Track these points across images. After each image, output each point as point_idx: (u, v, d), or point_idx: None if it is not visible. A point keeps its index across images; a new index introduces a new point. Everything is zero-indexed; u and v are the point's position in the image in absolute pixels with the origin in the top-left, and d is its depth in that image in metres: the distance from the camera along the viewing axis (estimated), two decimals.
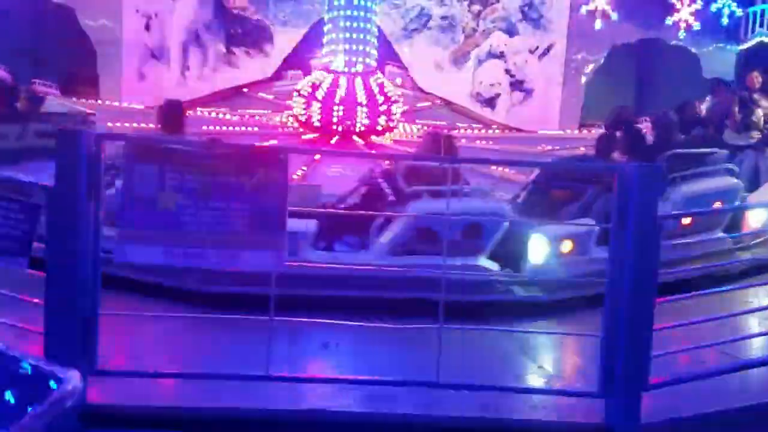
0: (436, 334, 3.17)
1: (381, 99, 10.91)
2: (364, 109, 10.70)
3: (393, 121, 11.08)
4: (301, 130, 11.02)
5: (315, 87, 10.89)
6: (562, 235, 5.19)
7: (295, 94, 11.25)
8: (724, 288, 4.44)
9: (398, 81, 12.55)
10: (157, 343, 3.85)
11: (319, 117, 10.78)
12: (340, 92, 10.73)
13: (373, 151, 9.91)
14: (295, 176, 7.97)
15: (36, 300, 3.03)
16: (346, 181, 6.57)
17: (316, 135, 10.76)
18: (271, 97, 12.54)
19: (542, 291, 4.95)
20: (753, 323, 3.61)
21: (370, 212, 5.20)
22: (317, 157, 8.98)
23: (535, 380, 3.71)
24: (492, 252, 5.09)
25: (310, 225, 4.95)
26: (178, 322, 4.00)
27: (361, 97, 10.76)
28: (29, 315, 3.13)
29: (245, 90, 12.71)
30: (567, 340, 4.14)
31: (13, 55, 11.13)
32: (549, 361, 3.99)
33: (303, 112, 10.95)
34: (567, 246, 5.19)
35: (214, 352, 3.83)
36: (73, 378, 0.69)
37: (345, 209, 5.51)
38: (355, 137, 10.68)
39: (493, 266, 5.04)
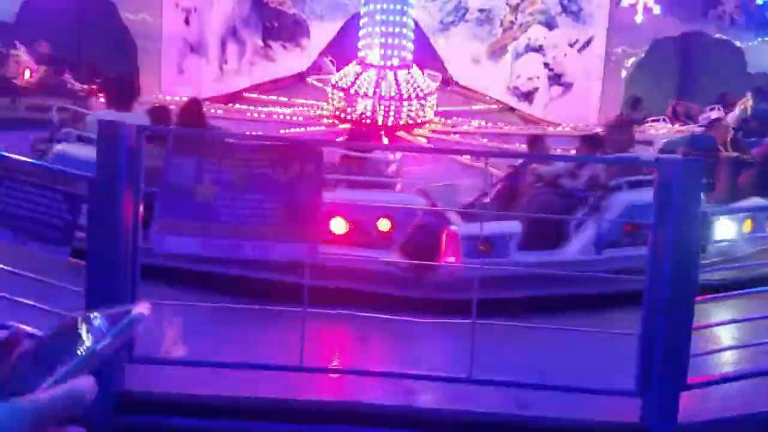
0: (470, 329, 3.16)
1: (413, 94, 10.87)
2: (402, 103, 10.68)
3: (426, 115, 11.03)
4: (328, 122, 11.05)
5: (353, 81, 10.91)
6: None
7: (330, 86, 11.30)
8: (763, 288, 4.34)
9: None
10: (193, 332, 3.91)
11: (354, 110, 10.80)
12: (373, 86, 10.73)
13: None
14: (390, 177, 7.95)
15: (77, 288, 3.10)
16: (443, 178, 6.61)
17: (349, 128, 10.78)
18: (320, 85, 12.53)
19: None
20: None
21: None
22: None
23: (570, 378, 3.67)
24: None
25: (515, 226, 4.92)
26: (215, 312, 4.06)
27: (397, 90, 10.74)
28: (71, 303, 3.20)
29: (308, 80, 12.77)
30: (604, 337, 4.08)
31: (55, 48, 11.42)
32: (585, 358, 3.94)
33: (340, 105, 10.99)
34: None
35: (250, 341, 3.87)
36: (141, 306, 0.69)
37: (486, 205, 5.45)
38: (403, 132, 10.64)
39: None
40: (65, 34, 12.17)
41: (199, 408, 3.11)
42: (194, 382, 3.21)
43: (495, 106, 12.87)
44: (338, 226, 4.79)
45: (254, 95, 12.27)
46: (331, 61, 12.69)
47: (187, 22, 12.23)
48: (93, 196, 3.04)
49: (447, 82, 12.99)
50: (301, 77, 12.82)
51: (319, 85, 12.50)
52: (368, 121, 10.65)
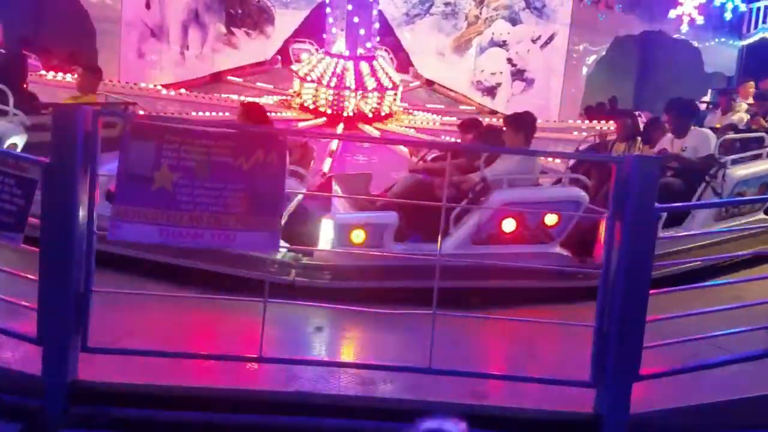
0: (428, 321, 3.17)
1: (388, 84, 10.85)
2: (367, 94, 10.65)
3: (392, 107, 11.03)
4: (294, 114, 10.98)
5: (315, 70, 10.84)
6: None
7: (294, 75, 11.21)
8: (717, 282, 4.47)
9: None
10: (149, 321, 3.85)
11: (319, 101, 10.74)
12: (339, 76, 10.67)
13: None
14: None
15: (30, 276, 3.03)
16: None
17: (312, 119, 10.72)
18: (257, 84, 12.42)
19: None
20: (745, 317, 3.62)
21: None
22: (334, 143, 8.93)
23: (526, 369, 3.72)
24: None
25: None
26: (173, 302, 4.00)
27: (362, 82, 10.71)
28: (23, 291, 3.13)
29: (229, 78, 12.62)
30: (561, 329, 4.16)
31: (12, 27, 11.08)
32: (542, 350, 4.00)
33: (303, 95, 10.90)
34: None
35: (208, 332, 3.84)
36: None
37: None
38: (366, 124, 10.61)
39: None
40: (21, 15, 11.81)
41: (154, 398, 3.07)
42: (150, 372, 3.17)
43: (475, 108, 12.95)
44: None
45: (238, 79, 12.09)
46: (310, 42, 12.54)
47: (147, 6, 11.98)
48: (47, 181, 2.96)
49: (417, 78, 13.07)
50: (215, 76, 12.64)
51: (244, 81, 12.41)
52: (330, 111, 10.60)
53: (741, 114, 9.31)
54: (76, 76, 6.49)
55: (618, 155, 6.91)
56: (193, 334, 3.85)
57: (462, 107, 12.77)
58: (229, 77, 12.46)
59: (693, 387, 3.40)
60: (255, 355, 3.17)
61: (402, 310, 3.56)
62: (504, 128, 5.85)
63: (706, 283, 4.24)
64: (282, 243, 4.67)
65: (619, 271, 3.07)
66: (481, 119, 7.42)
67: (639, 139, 7.44)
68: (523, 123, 5.63)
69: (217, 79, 12.33)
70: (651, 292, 3.10)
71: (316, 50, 11.89)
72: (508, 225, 4.95)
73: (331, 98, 10.62)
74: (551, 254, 5.02)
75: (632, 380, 3.12)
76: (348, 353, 3.97)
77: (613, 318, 3.09)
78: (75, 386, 3.03)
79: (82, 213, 2.97)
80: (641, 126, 7.87)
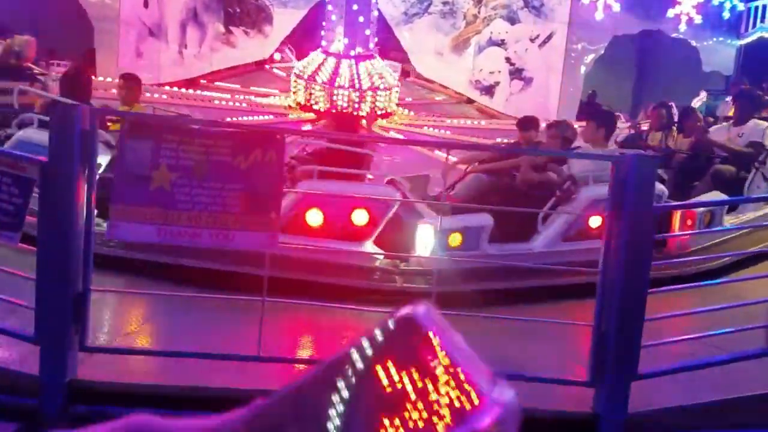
0: None
1: (381, 84, 10.86)
2: (364, 94, 10.65)
3: (387, 108, 11.03)
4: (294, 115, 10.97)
5: (315, 70, 10.84)
6: None
7: (293, 76, 11.20)
8: (715, 281, 4.47)
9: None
10: (148, 321, 3.85)
11: (316, 100, 10.74)
12: (335, 75, 10.67)
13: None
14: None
15: (28, 275, 3.02)
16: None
17: (307, 116, 10.72)
18: (284, 74, 12.41)
19: None
20: (743, 316, 3.63)
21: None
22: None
23: (525, 368, 3.72)
24: None
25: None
26: (171, 301, 4.00)
27: (358, 81, 10.71)
28: (21, 290, 3.12)
29: (267, 66, 12.62)
30: (560, 327, 4.16)
31: (11, 27, 11.04)
32: (540, 348, 4.00)
33: (301, 94, 10.90)
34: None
35: (207, 331, 3.83)
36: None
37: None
38: (364, 122, 10.61)
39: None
40: (19, 14, 11.79)
41: (152, 398, 3.07)
42: (148, 371, 3.17)
43: (449, 97, 12.96)
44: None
45: (218, 83, 12.07)
46: (290, 48, 12.57)
47: (146, 5, 11.96)
48: (45, 180, 2.95)
49: (407, 73, 13.02)
50: (259, 65, 12.66)
51: (282, 74, 12.39)
52: (333, 111, 10.60)
53: None
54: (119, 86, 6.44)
55: (655, 145, 7.16)
56: (192, 333, 3.85)
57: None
58: (202, 81, 12.31)
59: (691, 386, 3.40)
60: (254, 354, 3.17)
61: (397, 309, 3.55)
62: (586, 124, 6.09)
63: (705, 283, 4.24)
64: (376, 249, 4.82)
65: (618, 270, 3.07)
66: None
67: (674, 128, 7.62)
68: (606, 120, 5.92)
69: (193, 84, 12.21)
70: (649, 291, 3.11)
71: (290, 50, 11.92)
72: (595, 221, 5.11)
73: (327, 96, 10.63)
74: None
75: (631, 379, 3.12)
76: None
77: (611, 317, 3.10)
78: (73, 386, 3.03)
79: (79, 212, 2.96)
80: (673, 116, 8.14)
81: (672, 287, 3.57)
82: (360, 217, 4.74)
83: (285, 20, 12.73)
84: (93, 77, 6.37)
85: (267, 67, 12.74)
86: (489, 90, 13.12)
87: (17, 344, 3.18)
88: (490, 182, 5.84)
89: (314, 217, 4.73)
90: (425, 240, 4.88)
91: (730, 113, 8.71)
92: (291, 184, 5.02)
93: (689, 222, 5.66)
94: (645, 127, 8.41)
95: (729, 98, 10.36)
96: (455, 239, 4.89)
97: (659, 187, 5.49)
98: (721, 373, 3.45)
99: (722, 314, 3.60)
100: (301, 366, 3.46)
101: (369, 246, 4.85)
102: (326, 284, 4.28)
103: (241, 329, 3.80)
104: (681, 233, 5.62)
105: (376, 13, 11.20)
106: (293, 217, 4.72)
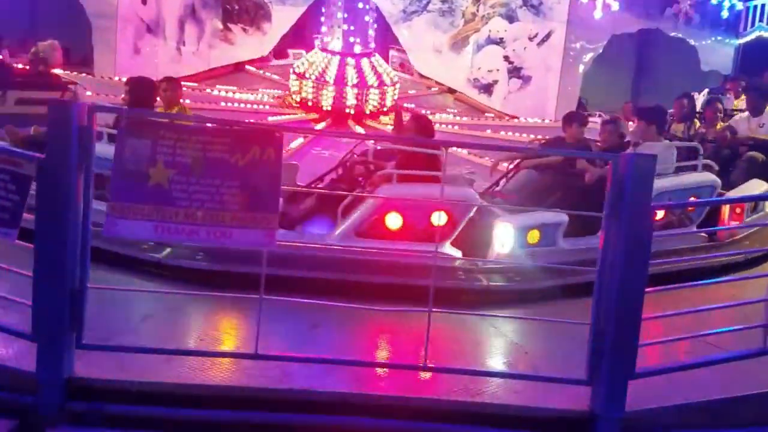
0: (423, 318, 3.17)
1: (375, 82, 10.85)
2: (362, 91, 10.64)
3: (386, 105, 11.03)
4: (291, 111, 10.95)
5: (313, 68, 10.82)
6: None
7: (291, 73, 11.19)
8: (714, 280, 4.48)
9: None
10: (146, 318, 3.85)
11: (314, 97, 10.73)
12: (336, 74, 10.67)
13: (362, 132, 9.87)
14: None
15: (25, 272, 3.02)
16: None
17: (301, 115, 10.71)
18: (269, 74, 12.44)
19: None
20: (740, 316, 3.63)
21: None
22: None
23: (522, 366, 3.73)
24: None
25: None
26: (169, 299, 4.00)
27: (356, 79, 10.70)
28: (18, 287, 3.12)
29: (248, 68, 12.59)
30: (557, 326, 4.16)
31: (8, 25, 11.03)
32: (537, 347, 4.01)
33: (297, 91, 10.89)
34: None
35: (205, 328, 3.83)
36: None
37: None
38: (349, 120, 10.63)
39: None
40: (18, 14, 11.76)
41: (150, 396, 3.07)
42: (145, 369, 3.16)
43: (436, 89, 12.97)
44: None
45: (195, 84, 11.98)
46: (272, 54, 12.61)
47: (143, 1, 11.94)
48: (42, 177, 2.95)
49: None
50: (237, 66, 12.59)
51: (265, 74, 12.34)
52: (312, 104, 10.59)
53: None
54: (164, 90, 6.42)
55: (677, 136, 7.40)
56: (189, 331, 3.85)
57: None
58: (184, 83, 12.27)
59: (688, 385, 3.40)
60: (251, 352, 3.16)
61: (397, 307, 3.56)
62: (636, 124, 6.25)
63: (702, 282, 4.24)
64: (454, 250, 4.84)
65: (615, 269, 3.07)
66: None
67: (696, 119, 7.87)
68: (654, 116, 6.07)
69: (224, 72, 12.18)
70: (647, 290, 3.11)
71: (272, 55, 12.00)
72: (659, 213, 5.36)
73: (328, 94, 10.62)
74: (691, 237, 5.57)
75: (628, 378, 3.12)
76: (343, 350, 3.96)
77: (609, 316, 3.10)
78: (70, 383, 3.02)
79: (77, 209, 2.96)
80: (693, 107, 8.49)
81: (669, 286, 3.57)
82: (439, 218, 4.78)
83: (284, 17, 12.71)
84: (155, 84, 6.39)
85: (247, 68, 12.68)
86: (487, 88, 13.11)
87: (14, 341, 3.18)
88: (543, 178, 5.92)
89: (394, 221, 4.78)
90: (504, 238, 4.94)
91: (738, 105, 9.04)
92: (371, 189, 5.09)
93: (738, 210, 5.90)
94: None
95: (729, 94, 10.55)
96: (534, 236, 4.97)
97: (712, 177, 5.79)
98: (718, 373, 3.46)
99: (719, 314, 3.60)
100: (299, 364, 3.46)
101: (448, 247, 4.89)
102: (412, 287, 4.32)
103: (239, 326, 3.81)
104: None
105: (374, 11, 11.20)
106: (374, 222, 4.80)
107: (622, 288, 3.07)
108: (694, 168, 5.92)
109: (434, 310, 3.18)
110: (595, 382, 3.16)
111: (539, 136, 8.18)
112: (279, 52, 12.89)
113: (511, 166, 6.58)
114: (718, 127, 7.68)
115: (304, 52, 12.23)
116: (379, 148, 6.13)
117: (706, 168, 5.91)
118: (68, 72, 10.26)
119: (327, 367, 3.38)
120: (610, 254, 3.09)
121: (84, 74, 11.01)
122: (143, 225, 2.97)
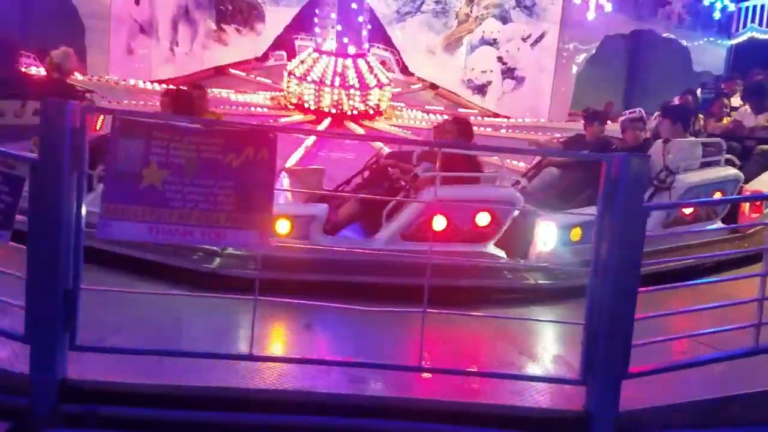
0: (419, 319, 3.17)
1: (373, 82, 10.86)
2: (356, 93, 10.65)
3: (381, 105, 11.03)
4: (288, 113, 10.95)
5: (308, 68, 10.82)
6: None
7: (285, 74, 11.18)
8: (705, 280, 4.50)
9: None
10: (140, 320, 3.84)
11: (310, 99, 10.72)
12: (331, 74, 10.67)
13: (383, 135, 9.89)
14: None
15: (18, 274, 3.00)
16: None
17: (299, 116, 10.70)
18: (252, 76, 12.41)
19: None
20: (733, 315, 3.65)
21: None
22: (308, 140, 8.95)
23: (516, 366, 3.74)
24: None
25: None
26: (162, 300, 3.98)
27: (353, 79, 10.70)
28: (10, 288, 3.10)
29: (231, 71, 12.57)
30: (551, 327, 4.17)
31: (1, 24, 10.98)
32: (532, 347, 4.02)
33: (293, 92, 10.88)
34: None
35: (198, 330, 3.82)
36: None
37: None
38: (349, 122, 10.61)
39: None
40: (10, 12, 11.70)
41: (144, 397, 3.06)
42: (140, 371, 3.15)
43: (418, 86, 13.01)
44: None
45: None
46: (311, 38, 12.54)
47: (137, 2, 11.91)
48: (35, 178, 2.94)
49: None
50: (218, 70, 12.55)
51: (247, 75, 12.31)
52: (332, 110, 10.59)
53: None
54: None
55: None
56: (183, 333, 3.84)
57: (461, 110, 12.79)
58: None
59: (682, 384, 3.42)
60: (245, 353, 3.16)
61: (393, 308, 3.56)
62: (660, 123, 6.37)
63: (695, 282, 4.26)
64: (498, 250, 4.87)
65: (609, 269, 3.08)
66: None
67: (701, 115, 8.06)
68: (680, 114, 6.26)
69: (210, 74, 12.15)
70: (640, 290, 3.12)
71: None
72: (688, 209, 5.62)
73: (318, 94, 10.61)
74: (714, 231, 5.76)
75: (621, 378, 3.13)
76: (337, 351, 3.96)
77: (602, 316, 3.11)
78: (64, 385, 3.01)
79: (70, 210, 2.95)
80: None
81: (662, 286, 3.58)
82: (483, 219, 4.82)
83: (277, 18, 12.72)
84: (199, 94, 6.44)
85: (230, 71, 12.66)
86: (481, 89, 13.14)
87: (8, 343, 3.16)
88: (568, 175, 6.02)
89: (440, 223, 4.80)
90: (547, 236, 5.00)
91: (733, 103, 9.22)
92: (414, 193, 5.11)
93: (758, 203, 6.12)
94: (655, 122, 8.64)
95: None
96: (576, 234, 5.03)
97: (734, 171, 5.99)
98: (711, 372, 3.47)
99: (712, 313, 3.62)
100: (294, 365, 3.45)
101: (491, 247, 4.93)
102: (463, 288, 4.32)
103: (233, 329, 3.80)
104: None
105: (367, 11, 11.21)
106: (420, 224, 4.81)
107: (616, 288, 3.08)
108: (717, 163, 6.10)
109: (428, 310, 3.18)
110: (590, 382, 3.16)
111: (557, 135, 8.27)
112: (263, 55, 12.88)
113: (545, 162, 6.64)
114: (725, 121, 7.91)
115: (284, 53, 12.22)
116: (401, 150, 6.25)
117: (728, 162, 6.11)
118: (88, 77, 10.16)
119: (320, 368, 3.38)
120: (603, 254, 3.10)
121: (97, 78, 10.96)
122: (137, 226, 2.96)
